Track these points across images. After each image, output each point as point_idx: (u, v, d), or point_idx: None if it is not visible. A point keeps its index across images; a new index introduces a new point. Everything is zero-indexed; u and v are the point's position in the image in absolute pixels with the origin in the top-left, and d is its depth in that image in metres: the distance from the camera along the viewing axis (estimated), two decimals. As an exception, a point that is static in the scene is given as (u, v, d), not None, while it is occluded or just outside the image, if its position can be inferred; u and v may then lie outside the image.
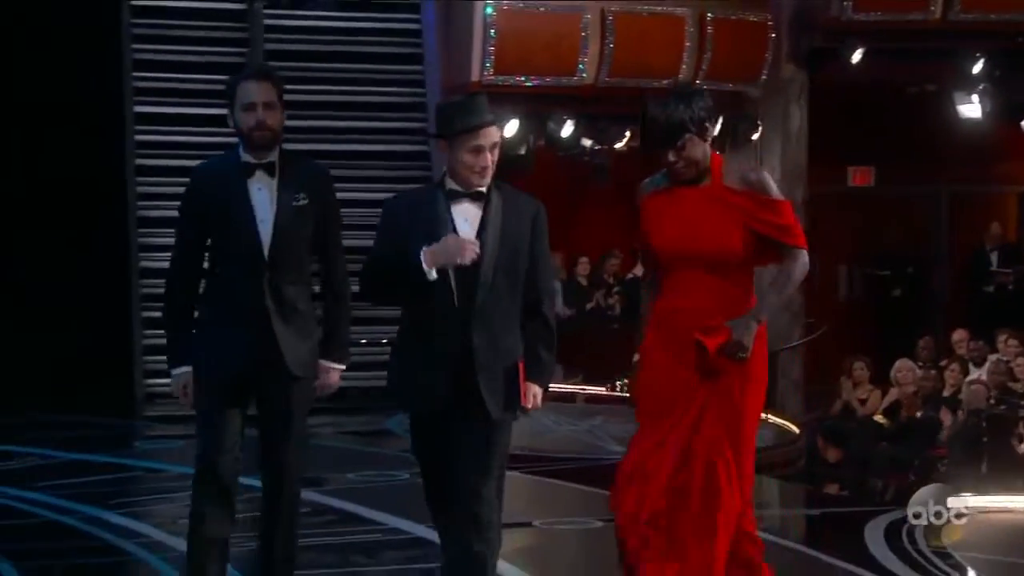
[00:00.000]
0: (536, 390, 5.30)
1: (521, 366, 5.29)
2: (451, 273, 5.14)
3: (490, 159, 5.19)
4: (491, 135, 5.21)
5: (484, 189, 5.25)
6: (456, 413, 5.28)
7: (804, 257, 5.20)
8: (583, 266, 16.89)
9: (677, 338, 5.17)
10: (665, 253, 5.22)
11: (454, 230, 5.18)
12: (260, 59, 14.17)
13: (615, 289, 16.79)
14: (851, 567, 7.62)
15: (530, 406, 5.30)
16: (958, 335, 14.95)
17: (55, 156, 13.23)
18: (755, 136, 16.76)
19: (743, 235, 5.09)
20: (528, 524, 8.66)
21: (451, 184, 5.26)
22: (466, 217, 5.20)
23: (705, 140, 5.11)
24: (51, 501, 8.84)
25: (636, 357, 5.49)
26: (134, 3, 14.18)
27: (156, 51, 14.17)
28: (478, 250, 5.12)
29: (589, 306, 16.74)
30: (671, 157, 5.10)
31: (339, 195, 13.02)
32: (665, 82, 15.74)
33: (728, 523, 5.26)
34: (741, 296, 5.18)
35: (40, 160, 13.27)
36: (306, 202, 5.49)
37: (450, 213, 5.23)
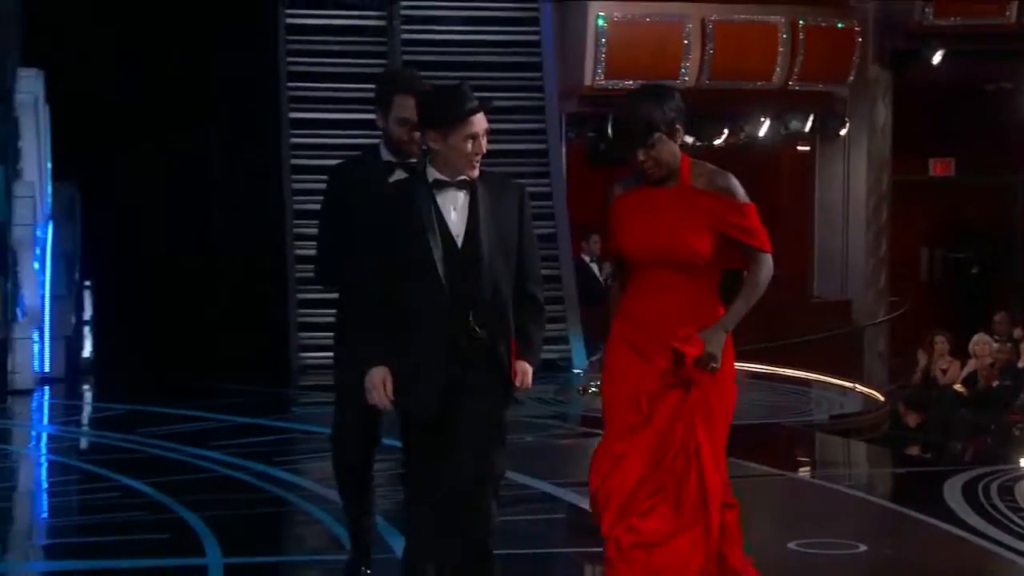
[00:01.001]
0: (527, 367, 4.80)
1: (512, 346, 4.80)
2: (441, 267, 4.64)
3: (484, 145, 4.69)
4: (484, 121, 4.70)
5: (469, 177, 4.74)
6: (457, 403, 4.74)
7: (768, 260, 4.71)
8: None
9: (644, 338, 4.66)
10: (633, 253, 4.71)
11: (440, 221, 4.68)
12: (399, 67, 14.37)
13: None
14: (931, 520, 7.56)
15: (519, 384, 4.80)
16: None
17: (225, 157, 13.58)
18: (843, 131, 16.73)
19: (710, 236, 4.60)
20: None
21: (435, 174, 4.72)
22: (454, 206, 4.70)
23: (675, 140, 4.60)
24: (224, 458, 9.02)
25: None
26: (289, 21, 14.38)
27: (308, 63, 14.41)
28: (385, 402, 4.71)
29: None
30: (641, 156, 4.58)
31: None
32: (760, 83, 15.91)
33: (716, 506, 4.75)
34: (707, 297, 4.71)
35: (213, 160, 13.58)
36: None
37: (435, 204, 4.70)
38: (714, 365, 4.56)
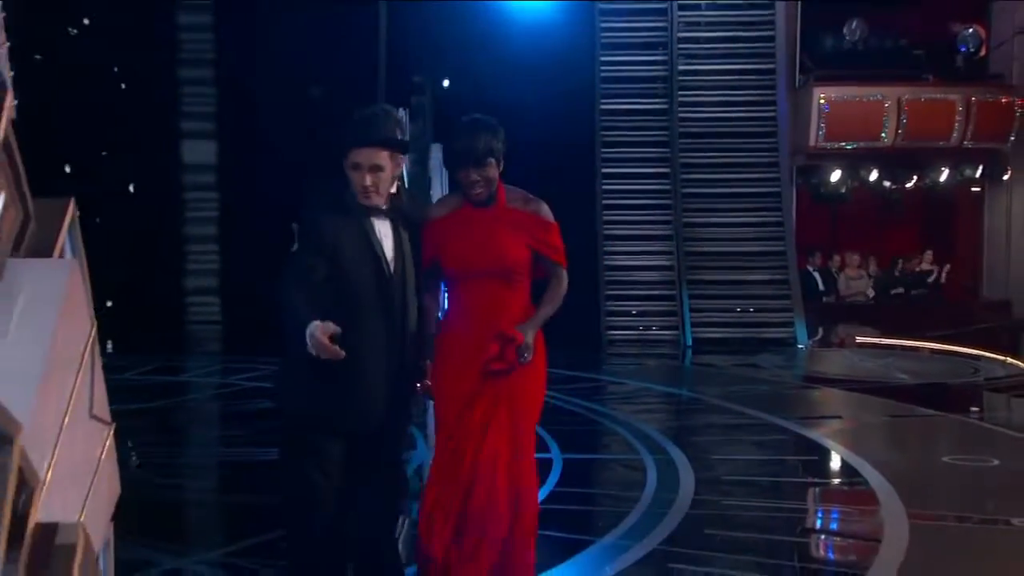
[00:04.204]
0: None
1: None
2: (384, 292, 3.46)
3: (369, 180, 3.39)
4: (371, 156, 3.37)
5: (382, 206, 3.48)
6: (382, 434, 3.53)
7: (565, 274, 3.85)
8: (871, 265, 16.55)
9: (469, 343, 3.66)
10: (457, 267, 3.72)
11: (382, 249, 3.48)
12: (676, 136, 14.71)
13: (904, 279, 16.46)
14: None
15: (420, 390, 3.69)
16: None
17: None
18: (1005, 177, 16.09)
19: (525, 250, 3.76)
20: (839, 417, 8.99)
21: (360, 198, 3.46)
22: (384, 234, 3.51)
23: (500, 168, 3.75)
24: (576, 401, 9.09)
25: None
26: (603, 106, 14.78)
27: (614, 134, 14.88)
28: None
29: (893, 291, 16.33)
30: (474, 176, 3.68)
31: (717, 218, 13.19)
32: (941, 143, 15.54)
33: (532, 505, 3.73)
34: (523, 303, 3.78)
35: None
36: None
37: (375, 231, 3.48)
38: (528, 355, 3.65)
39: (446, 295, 3.88)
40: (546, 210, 3.83)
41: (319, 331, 3.16)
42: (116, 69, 13.43)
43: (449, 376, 3.70)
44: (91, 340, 1.86)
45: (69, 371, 1.74)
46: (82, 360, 1.82)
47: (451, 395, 3.69)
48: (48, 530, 1.24)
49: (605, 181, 14.54)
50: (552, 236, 3.83)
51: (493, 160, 3.71)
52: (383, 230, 3.48)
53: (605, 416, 8.59)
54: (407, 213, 3.60)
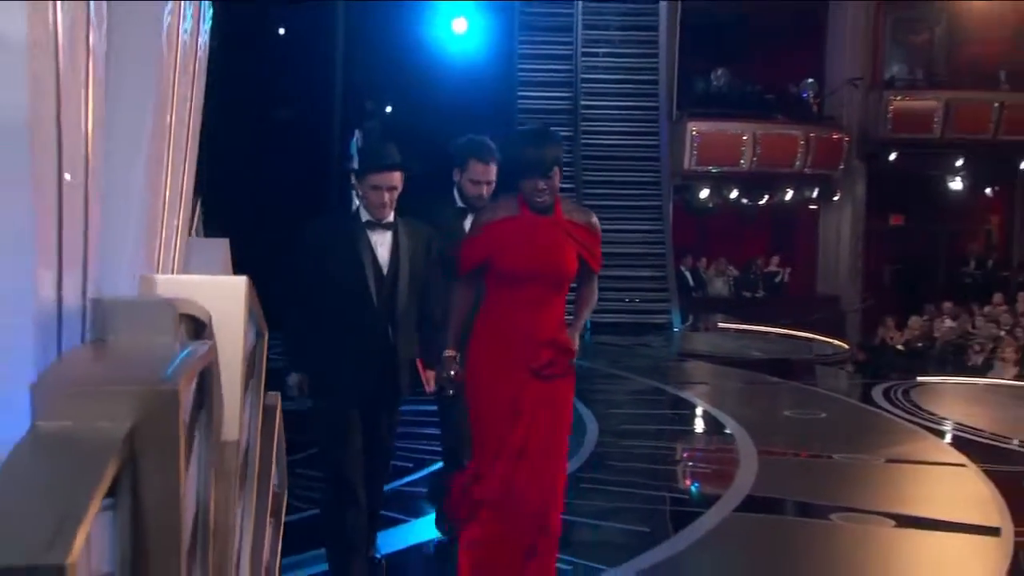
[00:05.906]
0: (431, 375, 3.66)
1: (419, 361, 3.73)
2: (372, 289, 3.52)
3: (387, 197, 3.49)
4: (388, 179, 3.47)
5: (391, 220, 3.57)
6: (378, 401, 3.62)
7: (597, 281, 3.51)
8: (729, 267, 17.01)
9: (514, 346, 3.30)
10: (514, 270, 3.31)
11: (372, 253, 3.56)
12: (580, 158, 14.94)
13: (757, 277, 16.96)
14: (865, 405, 8.05)
15: (429, 390, 3.72)
16: (946, 304, 14.87)
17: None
18: (836, 197, 16.64)
19: (577, 259, 3.37)
20: (705, 383, 9.39)
21: (365, 215, 3.55)
22: (381, 242, 3.56)
23: (560, 175, 3.36)
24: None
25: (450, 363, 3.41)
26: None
27: None
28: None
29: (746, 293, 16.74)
30: (541, 184, 3.29)
31: (611, 225, 13.25)
32: (786, 169, 16.31)
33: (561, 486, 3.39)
34: (563, 308, 3.41)
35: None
36: None
37: (368, 239, 3.55)
38: (574, 360, 3.39)
39: (483, 295, 3.44)
40: (595, 220, 3.47)
41: (294, 381, 3.57)
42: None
43: (497, 377, 3.31)
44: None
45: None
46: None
47: (498, 396, 3.30)
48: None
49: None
50: (599, 246, 3.45)
51: (557, 168, 3.34)
52: (380, 239, 3.56)
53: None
54: (412, 227, 3.65)
